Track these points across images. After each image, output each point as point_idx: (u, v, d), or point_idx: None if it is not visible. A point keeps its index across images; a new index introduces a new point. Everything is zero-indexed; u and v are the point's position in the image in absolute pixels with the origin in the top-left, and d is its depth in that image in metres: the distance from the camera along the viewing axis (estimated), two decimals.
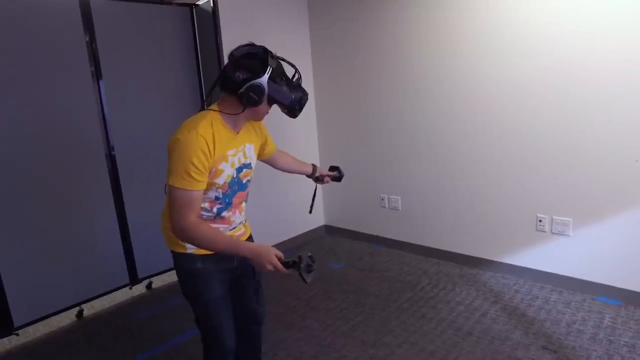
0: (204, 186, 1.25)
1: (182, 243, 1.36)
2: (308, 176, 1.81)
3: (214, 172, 1.28)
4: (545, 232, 2.60)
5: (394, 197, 3.33)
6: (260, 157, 1.60)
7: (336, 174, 1.84)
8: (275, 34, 3.27)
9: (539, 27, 2.40)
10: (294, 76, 1.35)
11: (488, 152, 2.75)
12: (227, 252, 1.27)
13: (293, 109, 1.33)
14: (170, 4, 2.80)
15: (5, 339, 2.38)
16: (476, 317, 2.34)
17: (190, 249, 1.37)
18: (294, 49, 3.46)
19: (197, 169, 1.20)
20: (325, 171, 1.82)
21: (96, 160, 2.56)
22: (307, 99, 1.35)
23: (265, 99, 1.26)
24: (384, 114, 3.25)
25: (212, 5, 2.79)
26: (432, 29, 2.85)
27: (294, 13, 3.43)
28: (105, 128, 2.57)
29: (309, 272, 1.23)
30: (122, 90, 2.62)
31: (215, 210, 1.37)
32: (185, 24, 2.90)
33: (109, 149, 2.59)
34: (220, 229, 1.40)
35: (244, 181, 1.43)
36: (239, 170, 1.38)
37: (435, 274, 2.91)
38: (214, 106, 1.32)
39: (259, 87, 1.23)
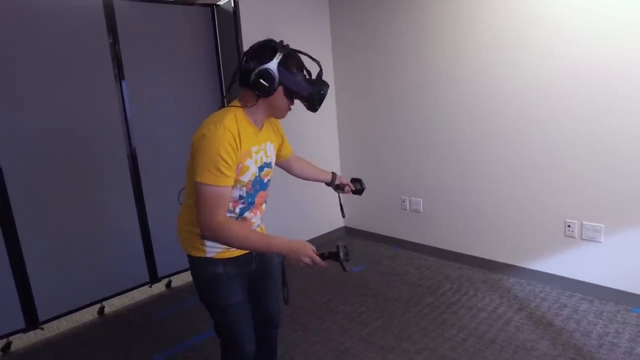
0: (232, 182, 1.22)
1: (202, 247, 1.33)
2: (327, 184, 1.75)
3: (240, 168, 1.25)
4: (574, 237, 2.48)
5: (415, 199, 3.26)
6: (277, 159, 1.57)
7: (357, 186, 1.77)
8: (296, 33, 3.26)
9: (570, 27, 2.30)
10: (310, 73, 1.33)
11: (513, 154, 2.65)
12: (259, 249, 1.24)
13: (312, 101, 1.30)
14: (192, 4, 2.82)
15: (31, 333, 2.44)
16: (500, 324, 2.26)
17: (210, 253, 1.34)
18: (314, 48, 3.43)
19: (226, 162, 1.18)
20: (346, 180, 1.76)
21: (118, 160, 2.60)
22: (327, 90, 1.31)
23: (278, 88, 1.24)
24: (406, 114, 3.18)
25: (232, 5, 2.79)
26: (459, 26, 2.76)
27: (314, 13, 3.41)
28: (127, 128, 2.60)
29: (347, 260, 1.25)
30: (144, 90, 2.65)
31: (238, 210, 1.34)
32: (207, 24, 2.91)
33: (131, 148, 2.63)
34: None
35: (265, 180, 1.41)
36: (261, 169, 1.36)
37: (457, 279, 2.83)
38: (235, 102, 1.31)
39: (267, 72, 1.21)
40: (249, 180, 1.31)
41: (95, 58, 2.45)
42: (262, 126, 1.36)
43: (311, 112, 1.36)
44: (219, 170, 1.17)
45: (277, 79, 1.22)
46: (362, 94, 3.44)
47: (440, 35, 2.86)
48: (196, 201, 1.21)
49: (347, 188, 1.75)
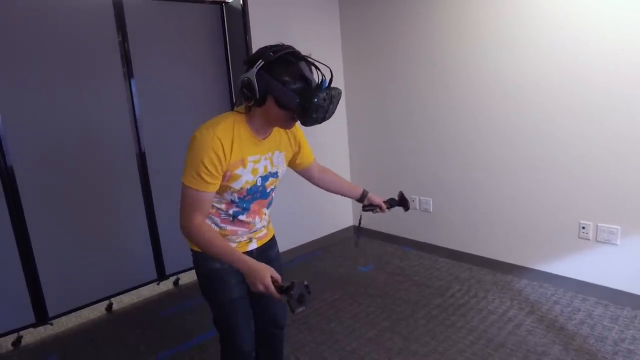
0: (214, 188, 1.22)
1: None
2: (358, 200, 1.63)
3: (228, 176, 1.24)
4: (589, 239, 2.41)
5: (425, 198, 3.22)
6: (293, 167, 1.53)
7: (393, 203, 1.59)
8: (305, 31, 3.23)
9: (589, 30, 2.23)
10: (311, 82, 1.16)
11: (526, 153, 2.59)
12: (223, 260, 1.22)
13: (302, 112, 1.14)
14: (201, 2, 2.81)
15: (41, 328, 2.47)
16: (510, 327, 2.21)
17: None
18: (324, 46, 3.40)
19: (208, 170, 1.17)
20: (377, 201, 1.59)
21: (127, 158, 2.61)
22: (321, 102, 1.11)
23: (270, 98, 1.15)
24: (415, 113, 3.13)
25: (241, 2, 2.78)
26: (465, 26, 2.71)
27: (324, 10, 3.38)
28: (136, 127, 2.61)
29: (301, 302, 1.13)
30: (153, 89, 2.66)
31: (231, 212, 1.33)
32: (216, 21, 2.90)
33: (139, 147, 2.64)
34: (239, 232, 1.37)
35: (268, 190, 1.38)
36: (265, 178, 1.33)
37: (466, 280, 2.78)
38: (240, 108, 1.28)
39: (247, 81, 1.14)
40: (242, 188, 1.28)
41: (105, 56, 2.46)
42: (268, 135, 1.30)
43: None
44: (200, 176, 1.18)
45: (256, 88, 1.13)
46: (371, 92, 3.40)
47: (450, 34, 2.80)
48: (180, 199, 1.23)
49: (378, 210, 1.61)
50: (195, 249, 1.35)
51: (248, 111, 1.23)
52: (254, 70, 1.13)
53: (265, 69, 1.13)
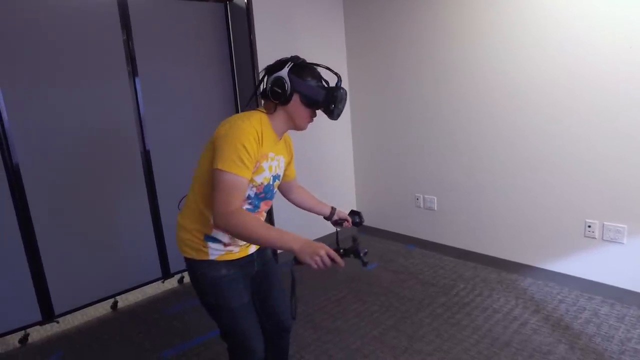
0: (249, 175, 1.23)
1: (205, 249, 1.32)
2: (326, 218, 1.70)
3: (257, 167, 1.27)
4: (595, 238, 2.40)
5: (429, 196, 3.21)
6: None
7: (356, 219, 1.71)
8: (309, 27, 3.21)
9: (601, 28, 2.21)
10: (328, 83, 1.35)
11: (531, 151, 2.58)
12: (271, 242, 1.16)
13: (328, 106, 1.30)
14: (205, 0, 2.81)
15: (47, 326, 2.49)
16: (515, 326, 2.20)
17: (213, 255, 1.33)
18: (328, 45, 3.38)
19: (249, 154, 1.20)
20: (345, 215, 1.71)
21: (132, 157, 2.62)
22: (343, 94, 1.31)
23: (294, 96, 1.28)
24: (420, 111, 3.12)
25: (245, 1, 2.78)
26: (469, 26, 2.70)
27: (328, 9, 3.36)
28: (141, 125, 2.62)
29: (364, 254, 1.22)
30: (157, 87, 2.66)
31: (244, 209, 1.34)
32: (220, 20, 2.90)
33: (144, 145, 2.64)
34: None
35: (275, 190, 1.44)
36: (274, 178, 1.38)
37: (471, 279, 2.77)
38: (260, 108, 1.35)
39: (279, 79, 1.27)
40: (261, 183, 1.32)
41: (109, 55, 2.46)
42: (281, 138, 1.39)
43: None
44: (241, 160, 1.19)
45: (288, 85, 1.26)
46: (375, 90, 3.39)
47: (455, 33, 2.79)
48: (213, 190, 1.20)
49: (346, 224, 1.70)
50: (198, 257, 1.33)
51: (273, 110, 1.31)
52: (285, 70, 1.27)
53: (292, 71, 1.28)
